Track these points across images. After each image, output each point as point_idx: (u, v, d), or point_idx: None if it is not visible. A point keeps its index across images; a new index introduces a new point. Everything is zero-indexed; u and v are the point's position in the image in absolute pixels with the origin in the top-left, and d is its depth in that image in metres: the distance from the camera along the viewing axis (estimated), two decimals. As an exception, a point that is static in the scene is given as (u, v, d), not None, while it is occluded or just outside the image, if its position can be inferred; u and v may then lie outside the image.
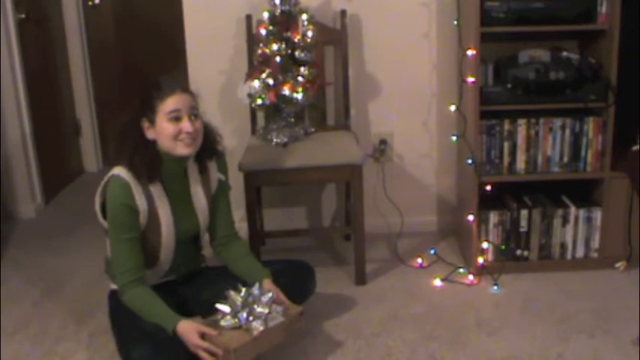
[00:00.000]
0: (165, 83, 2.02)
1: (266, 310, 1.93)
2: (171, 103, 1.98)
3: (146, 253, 2.05)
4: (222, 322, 1.93)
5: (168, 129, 1.99)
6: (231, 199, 2.31)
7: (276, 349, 2.24)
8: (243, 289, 1.95)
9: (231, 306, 1.93)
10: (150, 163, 2.02)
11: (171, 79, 2.06)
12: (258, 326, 1.91)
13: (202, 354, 1.87)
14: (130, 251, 2.01)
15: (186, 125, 2.00)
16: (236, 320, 1.92)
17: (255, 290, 1.97)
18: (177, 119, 1.99)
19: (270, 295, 1.97)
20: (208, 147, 2.14)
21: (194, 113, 2.03)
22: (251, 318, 1.92)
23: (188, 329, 1.90)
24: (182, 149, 2.02)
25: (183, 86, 2.06)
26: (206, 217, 2.19)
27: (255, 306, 1.94)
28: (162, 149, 2.03)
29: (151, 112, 2.00)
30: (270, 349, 1.99)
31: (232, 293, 1.95)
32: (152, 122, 2.01)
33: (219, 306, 1.95)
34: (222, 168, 2.24)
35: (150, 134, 2.02)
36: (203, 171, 2.17)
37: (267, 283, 2.08)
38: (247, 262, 2.21)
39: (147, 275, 2.05)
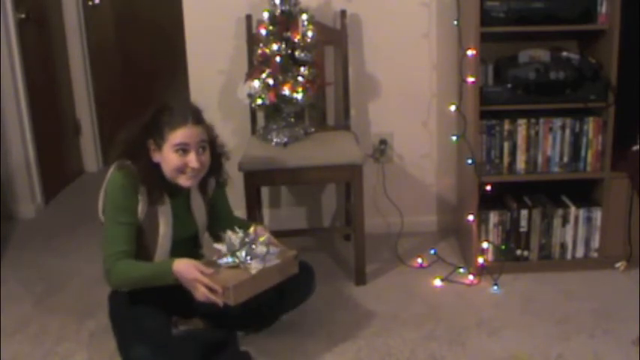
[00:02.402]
0: (179, 112, 2.00)
1: (265, 250, 1.95)
2: (180, 135, 1.97)
3: (140, 253, 2.04)
4: (220, 261, 1.94)
5: (173, 160, 1.99)
6: (230, 199, 2.32)
7: (277, 349, 2.24)
8: (240, 231, 1.97)
9: (228, 246, 1.94)
10: (157, 187, 2.03)
11: (185, 107, 2.04)
12: (257, 265, 1.92)
13: (201, 289, 1.86)
14: (124, 236, 1.99)
15: (192, 160, 1.99)
16: (235, 259, 1.93)
17: (251, 233, 1.99)
18: (184, 151, 1.99)
19: (266, 236, 2.00)
20: (212, 174, 2.16)
21: (202, 146, 2.02)
22: (249, 257, 1.93)
23: (186, 265, 1.90)
24: (184, 181, 2.03)
25: (196, 116, 2.03)
26: (204, 220, 2.20)
27: (254, 246, 1.94)
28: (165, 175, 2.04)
29: (159, 136, 1.99)
30: (265, 289, 1.99)
31: (230, 233, 1.96)
32: (159, 147, 2.00)
33: (216, 245, 1.96)
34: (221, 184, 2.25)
35: (155, 157, 2.02)
36: (204, 191, 2.18)
37: (260, 228, 2.11)
38: (241, 224, 2.21)
39: None
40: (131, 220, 2.00)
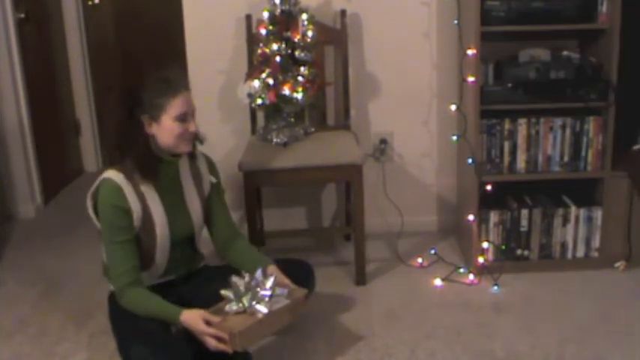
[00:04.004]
0: (175, 81, 2.01)
1: (269, 293, 1.94)
2: (179, 104, 1.99)
3: (141, 256, 2.04)
4: (227, 308, 1.94)
5: (175, 129, 2.00)
6: (229, 200, 2.31)
7: (277, 349, 2.24)
8: (247, 275, 1.96)
9: (234, 291, 1.94)
10: (152, 161, 2.03)
11: (177, 75, 2.05)
12: (262, 309, 1.91)
13: (209, 340, 1.86)
14: (125, 254, 2.00)
15: (192, 125, 2.02)
16: (240, 305, 1.92)
17: (258, 275, 1.97)
18: (183, 120, 2.00)
19: (272, 278, 1.98)
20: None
21: (193, 113, 2.05)
22: (254, 302, 1.92)
23: (193, 317, 1.89)
24: (185, 147, 2.05)
25: (186, 83, 2.06)
26: (200, 219, 2.19)
27: (259, 289, 1.94)
28: (159, 146, 2.03)
29: (155, 108, 1.99)
30: (275, 331, 1.99)
31: (235, 279, 1.95)
32: (155, 119, 2.00)
33: (223, 292, 1.95)
34: (212, 169, 2.24)
35: (151, 130, 2.02)
36: (195, 171, 2.17)
37: (271, 268, 2.09)
38: (251, 256, 2.21)
39: (143, 277, 2.05)
40: (128, 236, 2.01)
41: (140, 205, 2.02)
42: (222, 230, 2.24)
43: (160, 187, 2.07)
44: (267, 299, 1.93)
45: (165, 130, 2.00)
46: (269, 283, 1.95)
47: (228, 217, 2.28)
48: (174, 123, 1.99)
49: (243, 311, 1.92)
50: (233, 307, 1.93)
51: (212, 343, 1.86)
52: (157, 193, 2.06)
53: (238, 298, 1.93)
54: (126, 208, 1.99)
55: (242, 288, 1.93)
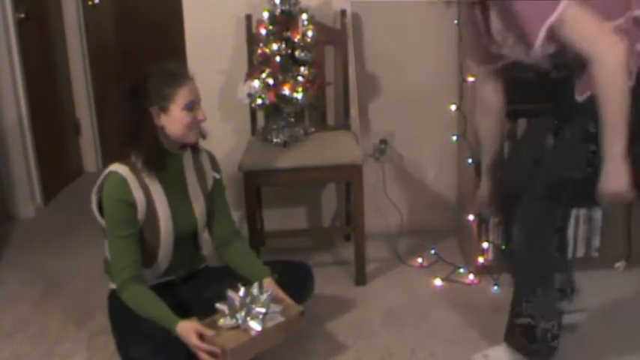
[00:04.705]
0: (179, 71, 2.04)
1: (264, 310, 1.93)
2: (187, 93, 2.01)
3: (144, 251, 2.05)
4: (221, 322, 1.93)
5: (185, 118, 2.01)
6: (230, 199, 2.31)
7: (277, 349, 2.23)
8: (242, 289, 1.95)
9: (229, 306, 1.93)
10: (160, 153, 2.04)
11: (179, 66, 2.08)
12: (255, 326, 1.91)
13: (202, 355, 1.87)
14: (128, 248, 2.00)
15: (200, 114, 2.04)
16: (234, 320, 1.92)
17: (254, 290, 1.96)
18: (191, 109, 2.02)
19: (268, 294, 1.97)
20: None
21: (200, 101, 2.07)
22: (248, 318, 1.92)
23: (187, 330, 1.90)
24: (193, 136, 2.07)
25: (189, 73, 2.08)
26: (203, 214, 2.19)
27: (254, 306, 1.93)
28: (168, 137, 2.04)
29: (163, 99, 2.00)
30: (269, 348, 1.99)
31: (231, 293, 1.95)
32: (164, 109, 2.01)
33: (218, 306, 1.95)
34: (215, 165, 2.25)
35: (160, 121, 2.02)
36: (198, 166, 2.17)
37: (267, 282, 2.08)
38: (249, 261, 2.21)
39: (145, 274, 2.05)
40: (132, 230, 2.01)
41: (144, 198, 2.02)
42: (222, 227, 2.24)
43: (165, 180, 2.07)
44: (261, 316, 1.92)
45: (174, 120, 2.01)
46: (264, 298, 1.95)
47: (228, 215, 2.28)
48: (182, 112, 2.01)
49: (237, 327, 1.92)
50: (227, 321, 1.93)
51: (204, 358, 1.87)
52: (161, 187, 2.06)
53: (232, 313, 1.92)
54: (130, 200, 2.00)
55: (237, 303, 1.92)
